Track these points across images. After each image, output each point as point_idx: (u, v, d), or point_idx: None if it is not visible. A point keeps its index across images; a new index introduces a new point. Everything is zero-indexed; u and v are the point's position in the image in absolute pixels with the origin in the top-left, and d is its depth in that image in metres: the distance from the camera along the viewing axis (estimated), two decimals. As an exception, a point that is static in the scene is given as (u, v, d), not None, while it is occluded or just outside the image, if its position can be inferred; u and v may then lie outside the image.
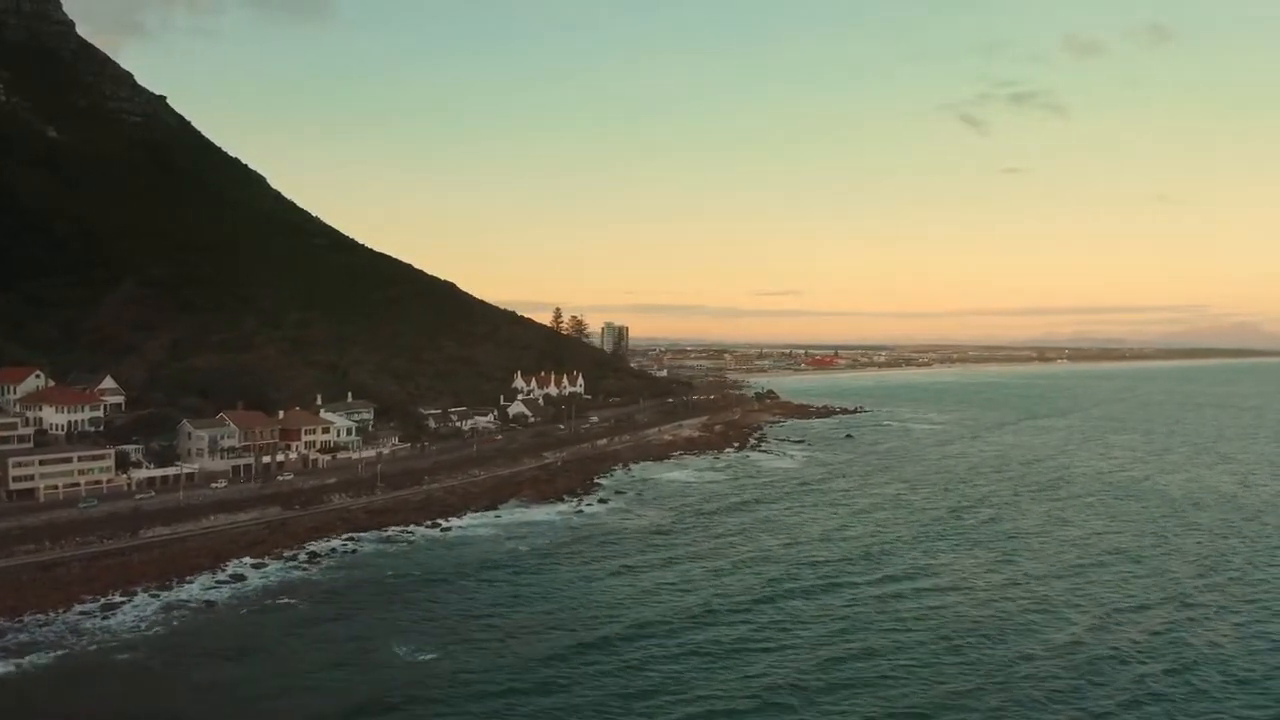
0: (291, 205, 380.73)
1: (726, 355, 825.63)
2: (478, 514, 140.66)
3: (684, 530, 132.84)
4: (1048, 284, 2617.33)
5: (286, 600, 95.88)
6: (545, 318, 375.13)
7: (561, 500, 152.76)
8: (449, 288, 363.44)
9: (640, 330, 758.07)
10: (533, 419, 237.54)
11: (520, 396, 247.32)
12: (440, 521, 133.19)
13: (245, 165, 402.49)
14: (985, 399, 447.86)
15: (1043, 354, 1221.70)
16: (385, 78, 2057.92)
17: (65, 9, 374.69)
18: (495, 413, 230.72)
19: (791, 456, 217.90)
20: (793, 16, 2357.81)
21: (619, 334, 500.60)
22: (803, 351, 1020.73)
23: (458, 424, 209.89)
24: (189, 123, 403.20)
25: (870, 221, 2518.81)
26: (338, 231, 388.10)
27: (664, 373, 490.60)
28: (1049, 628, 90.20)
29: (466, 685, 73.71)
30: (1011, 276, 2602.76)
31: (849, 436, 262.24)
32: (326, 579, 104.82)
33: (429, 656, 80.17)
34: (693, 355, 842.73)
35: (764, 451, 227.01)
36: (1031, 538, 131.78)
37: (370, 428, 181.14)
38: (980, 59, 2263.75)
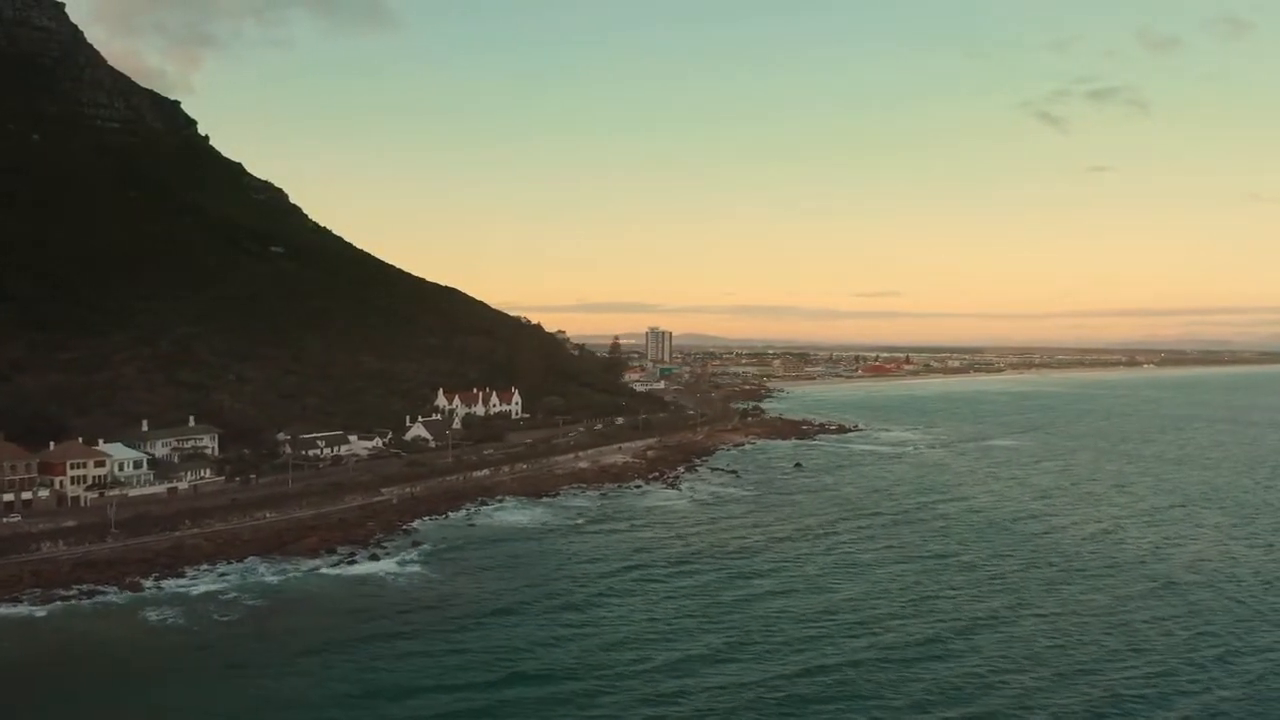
0: (274, 211, 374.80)
1: (775, 361, 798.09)
2: (216, 569, 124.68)
3: (387, 601, 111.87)
4: (1149, 285, 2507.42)
5: None
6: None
7: (334, 553, 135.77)
8: (432, 294, 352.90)
9: (736, 332, 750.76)
10: (434, 444, 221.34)
11: (423, 419, 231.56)
12: (143, 581, 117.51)
13: (239, 171, 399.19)
14: (995, 411, 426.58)
15: (1132, 358, 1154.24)
16: (452, 81, 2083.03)
17: (73, 16, 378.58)
18: (385, 438, 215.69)
19: (696, 491, 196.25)
20: (858, 15, 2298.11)
21: (650, 341, 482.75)
22: (873, 357, 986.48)
23: (323, 450, 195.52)
24: (185, 128, 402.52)
25: (966, 221, 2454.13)
26: (323, 237, 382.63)
27: (657, 384, 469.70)
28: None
29: None
30: (1110, 277, 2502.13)
31: (797, 465, 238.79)
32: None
33: None
34: (743, 360, 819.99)
35: (674, 486, 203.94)
36: (787, 603, 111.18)
37: (177, 458, 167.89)
38: (1052, 55, 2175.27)
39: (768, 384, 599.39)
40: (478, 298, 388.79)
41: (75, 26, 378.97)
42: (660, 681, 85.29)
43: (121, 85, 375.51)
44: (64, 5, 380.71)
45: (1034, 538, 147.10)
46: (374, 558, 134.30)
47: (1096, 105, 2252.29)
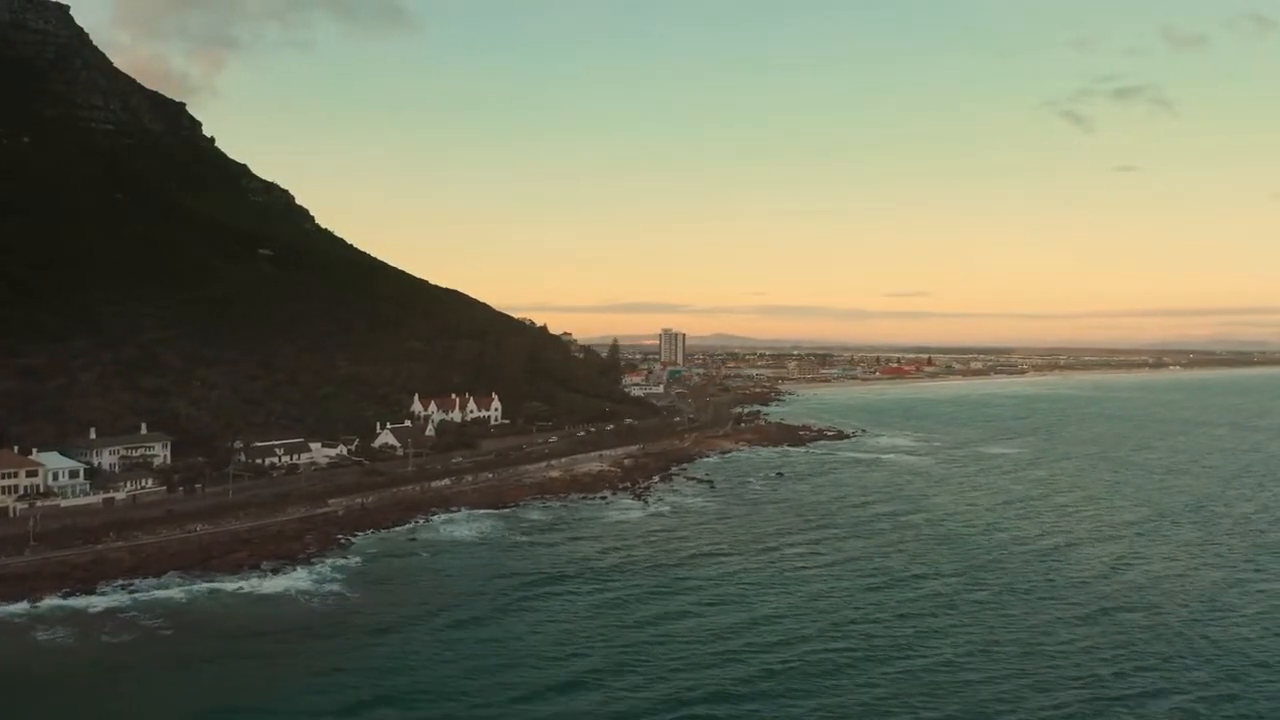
0: (271, 213, 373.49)
1: (792, 363, 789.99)
2: (130, 585, 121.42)
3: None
4: (1180, 285, 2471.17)
5: None
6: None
7: (258, 568, 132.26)
8: (425, 295, 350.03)
9: (764, 333, 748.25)
10: (402, 451, 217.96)
11: (392, 425, 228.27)
12: (49, 597, 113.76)
13: (242, 172, 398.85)
14: (1000, 415, 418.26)
15: (1158, 359, 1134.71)
16: (471, 81, 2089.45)
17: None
18: (350, 445, 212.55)
19: (661, 502, 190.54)
20: (878, 16, 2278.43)
21: (663, 342, 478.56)
22: (897, 358, 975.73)
23: (280, 459, 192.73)
24: (187, 129, 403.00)
25: (994, 221, 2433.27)
26: (321, 238, 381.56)
27: (657, 388, 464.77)
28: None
29: None
30: (1140, 277, 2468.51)
31: (779, 474, 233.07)
32: None
33: None
34: (761, 362, 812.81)
35: (640, 497, 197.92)
36: (699, 621, 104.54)
37: (120, 467, 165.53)
38: (1075, 53, 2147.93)
39: (780, 386, 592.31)
40: (486, 300, 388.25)
41: (80, 29, 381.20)
42: (525, 709, 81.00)
43: (121, 87, 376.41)
44: (69, 8, 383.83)
45: (986, 553, 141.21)
46: (294, 574, 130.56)
47: (1121, 104, 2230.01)
